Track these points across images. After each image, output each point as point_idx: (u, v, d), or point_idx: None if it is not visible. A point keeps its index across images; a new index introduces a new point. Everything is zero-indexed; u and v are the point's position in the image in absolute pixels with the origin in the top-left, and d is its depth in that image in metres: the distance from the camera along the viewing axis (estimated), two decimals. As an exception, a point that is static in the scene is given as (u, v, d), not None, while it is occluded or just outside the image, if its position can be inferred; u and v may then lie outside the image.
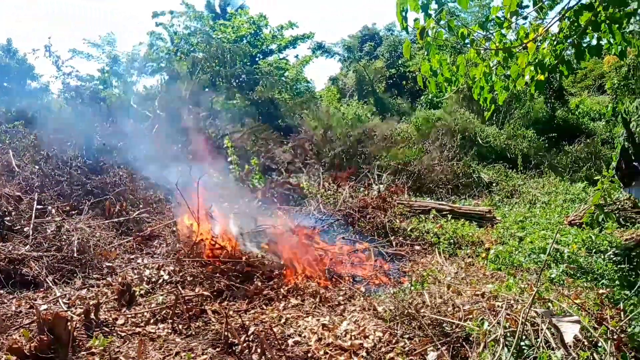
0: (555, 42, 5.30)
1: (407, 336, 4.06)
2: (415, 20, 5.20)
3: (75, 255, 5.38)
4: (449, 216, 8.68)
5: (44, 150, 7.95)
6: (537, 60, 5.47)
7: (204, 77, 16.30)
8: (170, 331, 4.14)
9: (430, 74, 5.82)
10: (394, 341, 4.00)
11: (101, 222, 6.36)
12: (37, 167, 7.36)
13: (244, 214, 6.94)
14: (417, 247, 7.00)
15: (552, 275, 5.46)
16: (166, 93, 14.28)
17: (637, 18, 5.44)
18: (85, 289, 4.95)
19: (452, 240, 7.20)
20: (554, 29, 5.44)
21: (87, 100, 13.40)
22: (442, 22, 5.29)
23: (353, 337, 4.07)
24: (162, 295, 4.85)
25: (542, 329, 3.60)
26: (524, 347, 3.50)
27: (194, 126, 10.79)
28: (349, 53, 32.59)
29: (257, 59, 21.77)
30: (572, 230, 7.50)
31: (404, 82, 27.11)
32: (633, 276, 5.38)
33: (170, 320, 4.25)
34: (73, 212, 6.61)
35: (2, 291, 4.80)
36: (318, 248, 6.31)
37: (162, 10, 19.95)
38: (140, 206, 7.10)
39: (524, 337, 3.58)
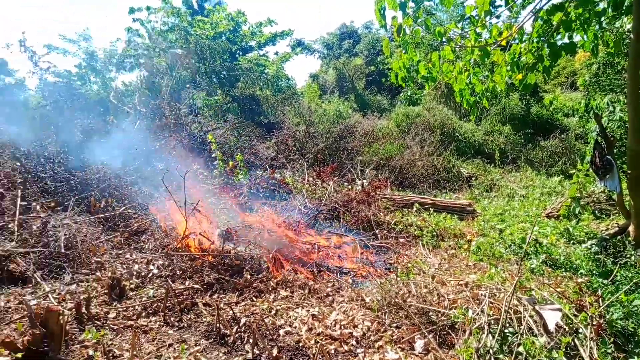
0: (532, 41, 5.50)
1: (394, 325, 4.19)
2: (393, 18, 5.31)
3: (62, 250, 5.33)
4: (431, 209, 8.90)
5: (23, 146, 7.78)
6: (513, 60, 5.68)
7: (184, 74, 16.16)
8: (162, 324, 4.17)
9: (405, 71, 5.97)
10: (382, 330, 4.13)
11: (87, 217, 6.29)
12: (18, 163, 7.22)
13: (230, 209, 6.97)
14: (402, 240, 7.15)
15: (532, 266, 5.67)
16: (146, 89, 14.10)
17: (606, 18, 5.67)
18: (75, 284, 4.92)
19: (434, 233, 7.38)
20: (528, 28, 5.64)
21: (65, 96, 13.13)
22: (419, 20, 5.43)
23: (342, 327, 4.18)
24: (152, 288, 4.87)
25: (524, 317, 3.75)
26: (507, 333, 3.65)
27: (176, 122, 10.71)
28: (328, 50, 32.74)
29: (236, 55, 21.68)
30: (550, 222, 7.79)
31: (383, 79, 27.37)
32: (609, 265, 5.62)
33: (161, 313, 4.28)
34: (58, 208, 6.52)
35: (-12, 288, 4.73)
36: (305, 241, 6.39)
37: (139, 6, 19.75)
38: (126, 202, 7.05)
39: (507, 324, 3.73)
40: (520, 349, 3.36)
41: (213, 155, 9.50)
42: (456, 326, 3.96)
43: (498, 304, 4.08)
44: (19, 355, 3.21)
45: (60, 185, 6.90)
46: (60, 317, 3.57)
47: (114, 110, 12.89)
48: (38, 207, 6.26)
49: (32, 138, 8.08)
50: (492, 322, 3.79)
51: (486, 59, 5.62)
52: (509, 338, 3.60)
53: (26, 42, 13.35)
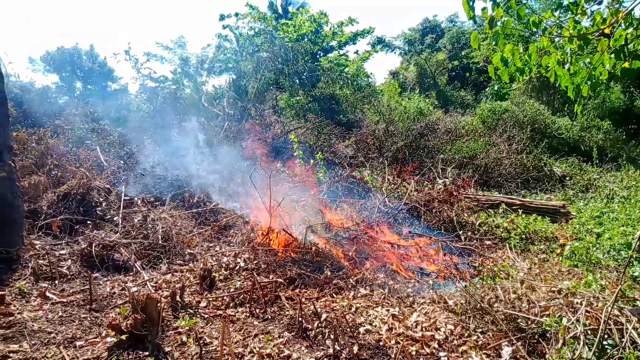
0: (640, 26, 4.97)
1: (479, 330, 4.03)
2: (483, 9, 5.07)
3: (160, 242, 5.81)
4: (520, 211, 8.39)
5: (127, 146, 8.60)
6: (618, 47, 5.16)
7: (268, 76, 16.77)
8: (248, 314, 4.39)
9: (502, 64, 5.67)
10: (466, 334, 3.99)
11: (182, 212, 6.81)
12: (122, 162, 7.98)
13: (311, 206, 7.13)
14: (487, 242, 6.85)
15: (636, 274, 5.16)
16: (234, 92, 14.85)
17: None
18: (170, 274, 5.36)
19: (523, 236, 6.97)
20: (636, 13, 5.10)
21: (163, 100, 14.29)
22: (510, 10, 5.14)
23: (424, 329, 4.10)
24: (239, 280, 5.14)
25: (627, 329, 3.44)
26: (607, 346, 3.37)
27: (261, 122, 11.17)
28: (409, 46, 32.08)
29: (318, 56, 22.05)
30: (657, 226, 7.03)
31: (467, 74, 26.28)
32: None
33: (248, 305, 4.51)
34: (157, 203, 7.13)
35: (97, 274, 5.30)
36: (385, 241, 6.37)
37: (228, 13, 20.87)
38: (216, 197, 7.52)
39: (606, 335, 3.44)
40: (623, 363, 3.09)
41: (295, 154, 9.78)
42: (547, 335, 3.72)
43: (596, 314, 3.76)
44: (124, 337, 3.55)
45: (158, 181, 7.53)
46: (158, 304, 3.89)
47: (205, 113, 13.75)
48: (139, 202, 6.88)
49: (134, 139, 8.89)
50: (589, 332, 3.51)
51: (586, 48, 5.18)
52: (608, 350, 3.31)
53: (130, 52, 14.76)
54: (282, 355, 3.59)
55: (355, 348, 3.67)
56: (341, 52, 23.39)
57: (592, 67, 5.40)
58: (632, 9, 5.02)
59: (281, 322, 4.25)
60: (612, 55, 5.28)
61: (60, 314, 4.16)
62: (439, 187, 9.63)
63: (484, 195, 9.34)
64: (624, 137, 14.88)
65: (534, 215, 8.24)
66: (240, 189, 7.85)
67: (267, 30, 19.97)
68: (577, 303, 4.08)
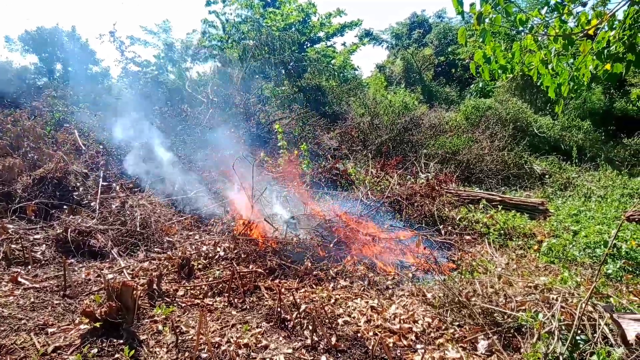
0: (623, 29, 5.02)
1: (456, 323, 4.07)
2: (472, 5, 5.07)
3: (138, 229, 5.71)
4: (499, 207, 8.50)
5: (106, 131, 8.40)
6: (600, 49, 5.22)
7: (254, 64, 16.57)
8: (226, 304, 4.34)
9: (483, 61, 5.69)
10: (443, 327, 4.02)
11: (161, 199, 6.69)
12: (101, 146, 7.80)
13: (294, 197, 7.09)
14: (467, 237, 6.92)
15: (609, 271, 5.27)
16: (218, 79, 14.63)
17: None
18: (148, 262, 5.27)
19: (502, 231, 7.06)
20: (619, 15, 5.14)
21: (145, 84, 14.00)
22: (498, 8, 5.14)
23: (402, 321, 4.12)
24: (218, 270, 5.09)
25: (599, 325, 3.50)
26: (579, 341, 3.43)
27: (245, 111, 11.04)
28: (396, 40, 32.04)
29: (305, 46, 21.86)
30: (630, 226, 7.18)
31: (453, 70, 26.44)
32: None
33: (226, 294, 4.46)
34: (136, 189, 7.00)
35: (72, 260, 5.18)
36: (366, 233, 6.37)
37: (215, -1, 20.45)
38: (197, 185, 7.41)
39: (579, 331, 3.50)
40: (594, 358, 3.14)
41: (279, 144, 9.71)
42: (523, 329, 3.78)
43: (570, 310, 3.82)
44: (97, 324, 3.47)
45: (137, 167, 7.38)
46: (134, 292, 3.82)
47: (188, 99, 13.53)
48: (117, 188, 6.74)
49: (114, 123, 8.69)
50: (563, 327, 3.57)
51: (570, 48, 5.23)
52: (581, 345, 3.37)
53: (115, 34, 14.36)
54: (259, 345, 3.56)
55: (334, 339, 3.67)
56: (328, 43, 23.24)
57: (576, 67, 5.46)
58: (615, 12, 5.08)
59: (260, 312, 4.22)
60: (594, 57, 5.35)
61: (32, 300, 4.06)
62: (421, 182, 9.68)
63: (465, 191, 9.43)
64: (603, 137, 15.21)
65: (513, 211, 8.36)
66: (222, 178, 7.76)
67: (254, 18, 19.68)
68: (553, 299, 4.14)
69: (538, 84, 5.69)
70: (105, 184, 6.82)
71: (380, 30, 30.38)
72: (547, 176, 12.18)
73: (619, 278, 5.14)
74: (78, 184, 6.76)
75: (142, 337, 3.53)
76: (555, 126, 15.71)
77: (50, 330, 3.53)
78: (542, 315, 3.72)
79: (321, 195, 8.17)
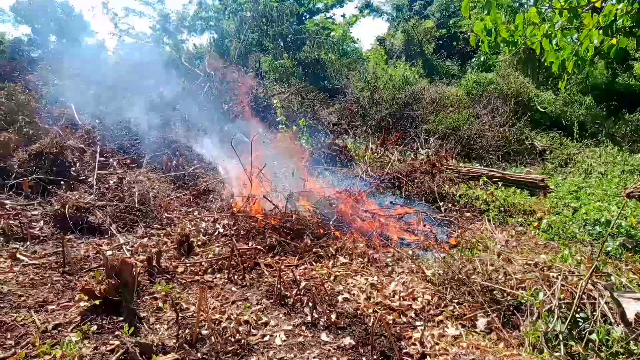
0: (632, 2, 4.86)
1: (456, 301, 4.08)
2: (478, -25, 4.91)
3: (136, 205, 5.67)
4: (500, 183, 8.46)
5: (102, 105, 8.26)
6: (607, 22, 5.07)
7: (252, 37, 16.23)
8: (226, 281, 4.34)
9: (484, 33, 5.53)
10: (442, 305, 4.03)
11: (159, 175, 6.63)
12: (97, 121, 7.68)
13: (293, 173, 7.03)
14: (467, 214, 6.90)
15: (609, 248, 5.27)
16: (215, 52, 14.35)
17: None
18: (147, 238, 5.24)
19: (502, 208, 7.05)
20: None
21: (141, 57, 13.73)
22: (504, -22, 4.98)
23: (402, 298, 4.13)
24: (218, 246, 5.08)
25: (599, 303, 3.50)
26: (579, 319, 3.44)
27: (243, 85, 10.86)
28: (397, 12, 31.33)
29: (303, 18, 21.41)
30: (630, 202, 7.17)
31: (455, 43, 25.96)
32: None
33: (226, 271, 4.46)
34: (133, 165, 6.93)
35: (71, 236, 5.15)
36: (367, 210, 6.34)
37: (211, -32, 19.90)
38: (195, 162, 7.34)
39: (579, 309, 3.51)
40: (593, 336, 3.16)
41: (277, 119, 9.58)
42: (522, 307, 3.79)
43: (571, 288, 3.83)
44: (97, 302, 3.46)
45: (135, 143, 7.29)
46: (134, 269, 3.80)
47: (185, 72, 13.29)
48: (115, 163, 6.67)
49: (110, 97, 8.54)
50: (563, 306, 3.58)
51: (574, 22, 5.08)
52: (580, 324, 3.39)
53: (108, 5, 13.99)
54: (260, 322, 3.57)
55: (333, 316, 3.67)
56: (327, 15, 22.77)
57: (579, 42, 5.32)
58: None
59: (260, 289, 4.22)
60: (600, 32, 5.20)
61: (31, 276, 4.04)
62: (421, 158, 9.62)
63: (465, 167, 9.39)
64: (604, 113, 15.05)
65: (513, 188, 8.33)
66: (221, 153, 7.68)
67: (252, -12, 19.19)
68: (553, 277, 4.15)
69: (542, 59, 5.55)
70: (102, 159, 6.74)
71: (380, 2, 29.70)
72: (547, 152, 12.13)
73: (618, 255, 5.15)
74: (75, 159, 6.68)
75: (142, 314, 3.52)
76: (557, 101, 15.54)
77: (50, 307, 3.52)
78: (543, 294, 3.72)
79: (321, 171, 8.11)
